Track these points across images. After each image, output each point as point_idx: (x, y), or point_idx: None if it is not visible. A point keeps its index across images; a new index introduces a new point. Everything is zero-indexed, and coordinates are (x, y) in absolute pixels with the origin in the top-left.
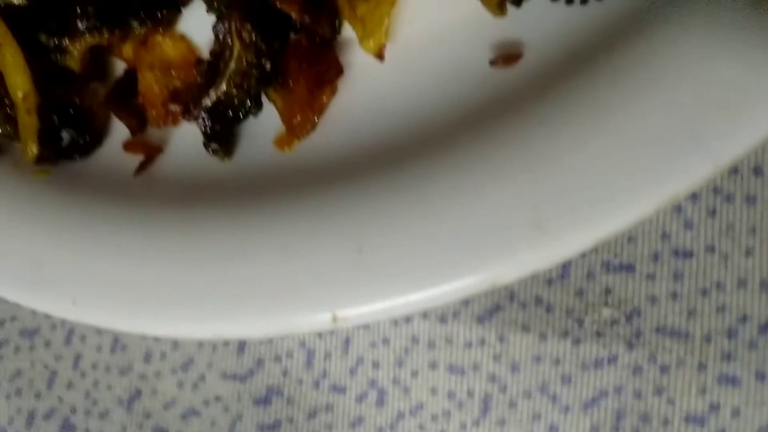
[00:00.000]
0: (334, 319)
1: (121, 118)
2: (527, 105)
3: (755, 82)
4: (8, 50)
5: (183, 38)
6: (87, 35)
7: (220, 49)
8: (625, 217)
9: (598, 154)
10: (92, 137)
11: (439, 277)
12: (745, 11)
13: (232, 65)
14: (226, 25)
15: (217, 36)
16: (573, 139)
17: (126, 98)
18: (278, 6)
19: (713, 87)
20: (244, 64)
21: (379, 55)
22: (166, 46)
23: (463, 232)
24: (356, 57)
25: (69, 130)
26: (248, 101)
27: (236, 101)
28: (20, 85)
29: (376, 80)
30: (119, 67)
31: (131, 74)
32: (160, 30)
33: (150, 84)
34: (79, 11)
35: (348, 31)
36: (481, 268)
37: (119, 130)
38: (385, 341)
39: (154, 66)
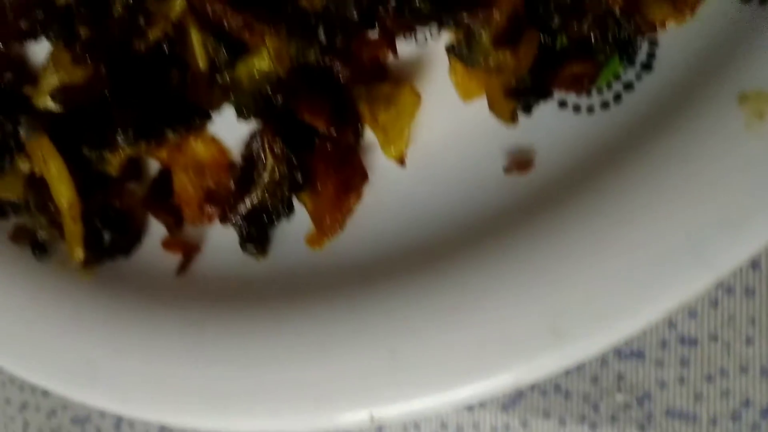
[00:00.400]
0: (372, 418)
1: (158, 218)
2: (541, 212)
3: (751, 199)
4: (53, 163)
5: (214, 140)
6: (126, 147)
7: (252, 158)
8: (635, 324)
9: (609, 266)
10: (132, 237)
11: (466, 379)
12: (738, 135)
13: (266, 176)
14: (259, 141)
15: (249, 146)
16: (584, 250)
17: (162, 197)
18: (306, 120)
19: (712, 203)
20: (277, 175)
21: (401, 161)
22: (198, 148)
23: (488, 337)
24: (378, 159)
25: (110, 231)
26: (281, 207)
27: (270, 207)
28: (65, 195)
29: (397, 183)
30: (153, 165)
31: (166, 174)
32: (193, 134)
33: (185, 185)
34: (118, 128)
35: (370, 133)
36: (505, 370)
37: (157, 229)
38: (416, 427)
39: (188, 167)
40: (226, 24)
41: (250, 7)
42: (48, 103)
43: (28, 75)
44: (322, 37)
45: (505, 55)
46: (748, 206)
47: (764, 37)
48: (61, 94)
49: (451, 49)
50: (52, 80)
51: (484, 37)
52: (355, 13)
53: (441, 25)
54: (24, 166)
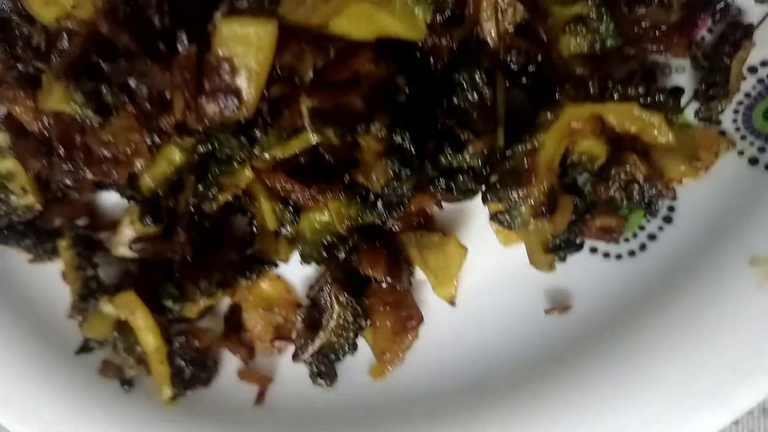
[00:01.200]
0: None
1: (232, 351)
2: (580, 352)
3: (763, 350)
4: (140, 315)
5: (279, 279)
6: (204, 299)
7: (318, 302)
8: None
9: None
10: (210, 369)
11: None
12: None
13: (333, 323)
14: (325, 291)
15: (314, 290)
16: (620, 390)
17: (235, 332)
18: (366, 272)
19: (727, 351)
20: (343, 321)
21: (452, 302)
22: (266, 287)
23: None
24: (430, 295)
25: (191, 366)
26: (347, 346)
27: (337, 347)
28: (152, 342)
29: (448, 319)
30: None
31: (237, 310)
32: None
33: (255, 321)
34: (196, 282)
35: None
36: None
37: (231, 360)
38: None
39: (257, 305)
40: (292, 196)
41: (312, 178)
42: (125, 252)
43: (101, 220)
44: (381, 209)
45: (542, 223)
46: (760, 356)
47: None
48: (137, 245)
49: (493, 217)
50: (128, 233)
51: (524, 209)
52: (410, 193)
53: (486, 201)
54: (107, 308)
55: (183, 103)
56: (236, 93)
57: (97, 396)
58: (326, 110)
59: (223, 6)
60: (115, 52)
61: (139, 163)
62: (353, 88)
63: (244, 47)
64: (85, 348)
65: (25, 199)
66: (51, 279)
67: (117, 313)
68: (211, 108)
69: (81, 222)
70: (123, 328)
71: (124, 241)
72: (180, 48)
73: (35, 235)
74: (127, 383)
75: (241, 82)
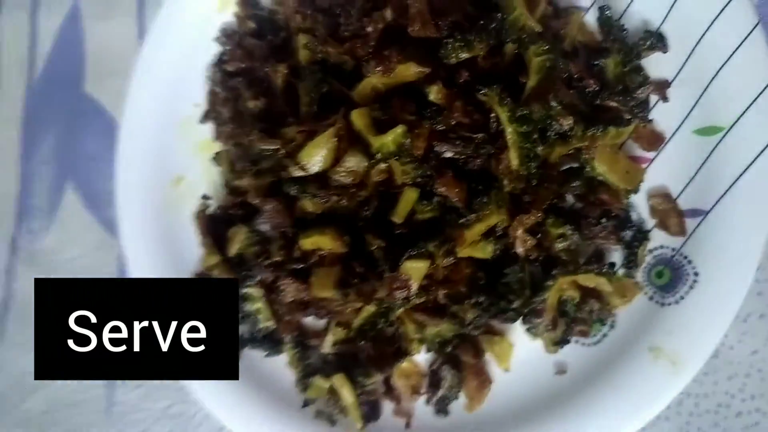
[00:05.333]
0: None
1: (389, 400)
2: (570, 398)
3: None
4: (345, 387)
5: (412, 360)
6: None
7: (437, 375)
8: None
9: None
10: (377, 410)
11: None
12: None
13: (447, 383)
14: (443, 368)
15: (434, 369)
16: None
17: (389, 390)
18: (463, 359)
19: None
20: (450, 383)
21: (507, 369)
22: (405, 365)
23: None
24: (495, 367)
25: (367, 409)
26: (453, 396)
27: (448, 397)
28: (350, 400)
29: (503, 378)
30: None
31: (389, 377)
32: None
33: (400, 384)
34: (380, 369)
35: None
36: None
37: (388, 405)
38: None
39: (401, 375)
40: (423, 320)
41: (433, 312)
42: (329, 350)
43: (307, 331)
44: (470, 329)
45: (550, 333)
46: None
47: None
48: (337, 344)
49: (527, 330)
50: (331, 338)
51: (542, 327)
52: (486, 321)
53: (523, 323)
54: (320, 382)
55: (385, 292)
56: (409, 288)
57: (314, 429)
58: (450, 293)
59: (405, 256)
60: (357, 274)
61: (354, 313)
62: (461, 282)
63: (414, 271)
64: (306, 404)
65: (266, 323)
66: (279, 365)
67: (329, 384)
68: (398, 294)
69: (296, 333)
70: (332, 391)
71: (329, 343)
72: (387, 274)
73: (271, 342)
74: (333, 422)
75: (412, 284)
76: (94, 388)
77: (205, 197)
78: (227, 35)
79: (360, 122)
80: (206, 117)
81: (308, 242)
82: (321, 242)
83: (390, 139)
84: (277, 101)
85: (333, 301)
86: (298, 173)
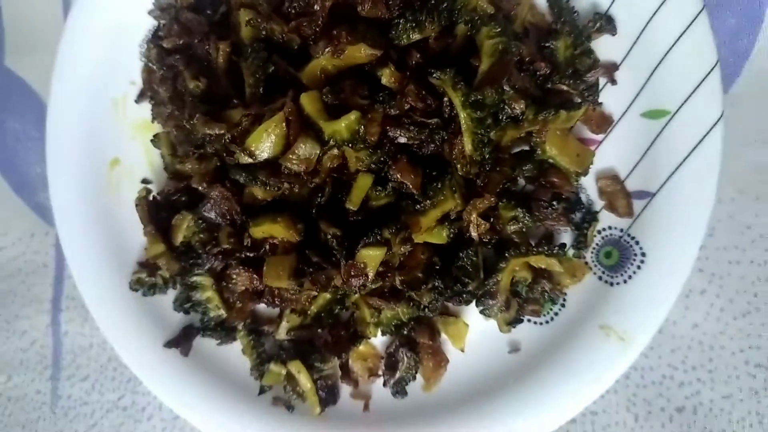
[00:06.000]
0: None
1: (347, 383)
2: (523, 376)
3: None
4: (302, 373)
5: (369, 342)
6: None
7: (395, 357)
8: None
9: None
10: (335, 394)
11: None
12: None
13: (404, 366)
14: (400, 351)
15: (391, 352)
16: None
17: (346, 373)
18: (419, 340)
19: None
20: (408, 365)
21: (462, 350)
22: (362, 348)
23: None
24: (450, 347)
25: (325, 394)
26: (410, 378)
27: (406, 378)
28: (308, 385)
29: (459, 357)
30: None
31: (346, 360)
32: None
33: (357, 366)
34: (337, 354)
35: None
36: None
37: (346, 388)
38: None
39: (358, 358)
40: (379, 305)
41: (390, 297)
42: (284, 336)
43: (261, 318)
44: (428, 311)
45: (504, 314)
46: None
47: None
48: (291, 331)
49: (481, 312)
50: (285, 325)
51: (495, 309)
52: (441, 304)
53: (477, 305)
54: (277, 368)
55: (342, 281)
56: (366, 275)
57: (271, 416)
58: (406, 280)
59: (361, 244)
60: (312, 263)
61: (309, 302)
62: (417, 267)
63: (370, 258)
64: (262, 391)
65: (217, 312)
66: (233, 353)
67: (285, 371)
68: (354, 282)
69: (249, 320)
70: (289, 377)
71: (284, 330)
72: (342, 264)
73: (223, 330)
74: (291, 408)
75: (368, 271)
76: (37, 382)
77: (145, 181)
78: (162, 8)
79: (311, 107)
80: (142, 96)
81: (259, 231)
82: (273, 231)
83: (343, 125)
84: (219, 81)
85: (288, 290)
86: (247, 160)
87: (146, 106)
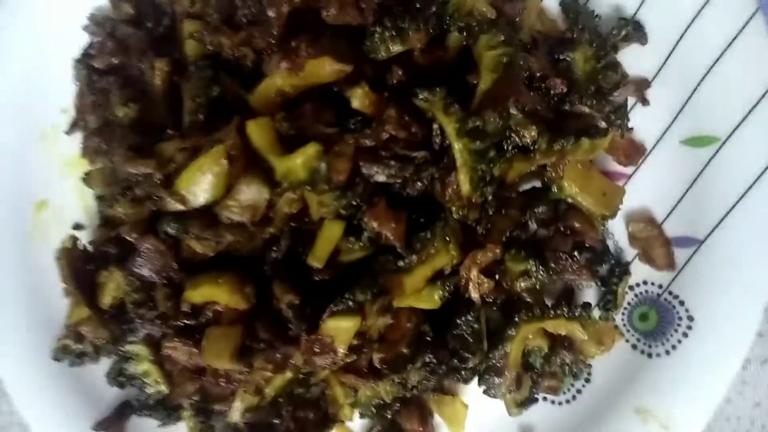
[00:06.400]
0: None
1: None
2: None
3: None
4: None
5: (344, 425)
6: None
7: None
8: None
9: None
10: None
11: None
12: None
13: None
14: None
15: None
16: None
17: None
18: (406, 427)
19: None
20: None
21: None
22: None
23: None
24: (444, 431)
25: None
26: None
27: None
28: None
29: None
30: None
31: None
32: None
33: None
34: None
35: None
36: None
37: None
38: None
39: None
40: (355, 383)
41: (369, 374)
42: (238, 419)
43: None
44: (416, 391)
45: (514, 394)
46: None
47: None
48: (247, 413)
49: (485, 391)
50: (239, 406)
51: (503, 388)
52: (435, 384)
53: (480, 384)
54: None
55: (303, 360)
56: (335, 352)
57: None
58: (387, 358)
59: (327, 312)
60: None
61: (265, 382)
62: (401, 340)
63: (339, 331)
64: None
65: (157, 387)
66: None
67: None
68: (320, 360)
69: (196, 398)
70: None
71: (238, 412)
72: (302, 339)
73: (165, 409)
74: None
75: (338, 347)
76: None
77: (76, 227)
78: (97, 23)
79: (259, 137)
80: (74, 126)
81: (197, 294)
82: (214, 295)
83: (299, 162)
84: (155, 108)
85: (234, 370)
86: (177, 207)
87: (80, 139)
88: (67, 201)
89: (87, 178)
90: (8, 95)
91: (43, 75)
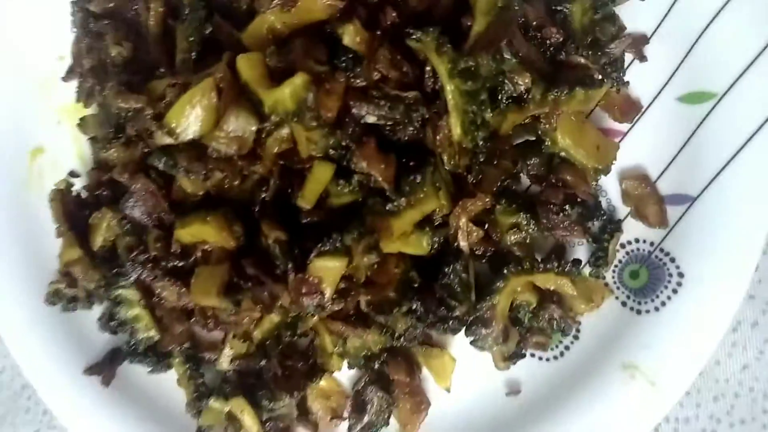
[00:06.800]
0: None
1: (304, 428)
2: (525, 422)
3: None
4: (246, 413)
5: (332, 377)
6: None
7: (363, 397)
8: None
9: None
10: None
11: None
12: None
13: (373, 408)
14: (368, 389)
15: (359, 390)
16: None
17: (304, 414)
18: (393, 377)
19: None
20: (379, 407)
21: (448, 389)
22: (324, 384)
23: None
24: (433, 385)
25: None
26: (382, 422)
27: (376, 423)
28: (254, 427)
29: (445, 399)
30: None
31: (304, 398)
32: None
33: (318, 407)
34: (289, 391)
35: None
36: None
37: None
38: None
39: (318, 396)
40: (344, 332)
41: (357, 322)
42: (227, 366)
43: (201, 343)
44: (402, 341)
45: (501, 346)
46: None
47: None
48: (236, 361)
49: (472, 343)
50: (228, 353)
51: (490, 340)
52: (422, 333)
53: (467, 335)
54: (217, 405)
55: (290, 300)
56: (322, 293)
57: None
58: (374, 301)
59: (314, 252)
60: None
61: (253, 325)
62: (389, 285)
63: (327, 271)
64: (199, 431)
65: (147, 333)
66: (167, 383)
67: (227, 409)
68: (307, 301)
69: (186, 345)
70: (231, 417)
71: (227, 359)
72: (290, 275)
73: (155, 356)
74: None
75: (325, 287)
76: None
77: (72, 174)
78: None
79: (249, 71)
80: (71, 73)
81: (186, 233)
82: (203, 233)
83: (287, 92)
84: (149, 48)
85: (222, 310)
86: (166, 140)
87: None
88: (63, 148)
89: (82, 124)
90: (5, 43)
91: (40, 22)
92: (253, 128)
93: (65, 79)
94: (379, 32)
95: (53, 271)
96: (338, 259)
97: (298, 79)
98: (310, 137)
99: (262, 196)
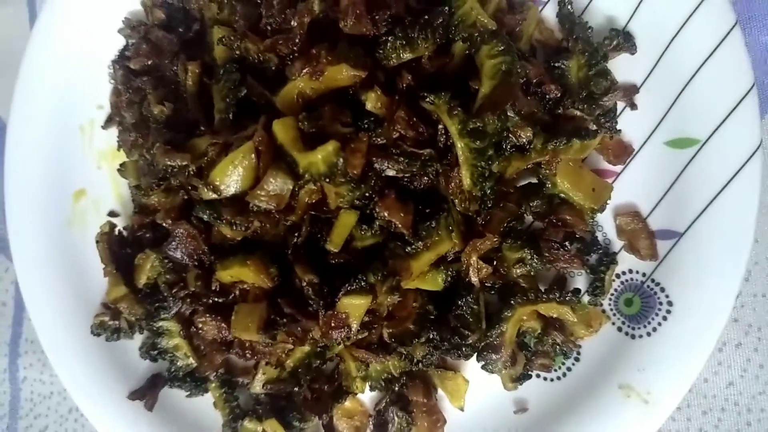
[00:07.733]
0: None
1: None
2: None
3: None
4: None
5: (356, 398)
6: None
7: (384, 417)
8: None
9: None
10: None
11: None
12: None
13: (395, 427)
14: (390, 409)
15: (380, 411)
16: None
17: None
18: (412, 399)
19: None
20: (399, 425)
21: (461, 409)
22: (348, 404)
23: None
24: (448, 405)
25: None
26: None
27: None
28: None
29: (459, 417)
30: None
31: (331, 418)
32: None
33: (343, 425)
34: (317, 414)
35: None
36: None
37: None
38: None
39: (343, 415)
40: (366, 358)
41: (378, 349)
42: (259, 390)
43: (235, 369)
44: (421, 366)
45: (509, 370)
46: None
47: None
48: (268, 384)
49: (483, 367)
50: (261, 378)
51: (499, 364)
52: (437, 359)
53: (479, 360)
54: (251, 426)
55: (320, 333)
56: (349, 327)
57: None
58: (395, 333)
59: (342, 291)
60: (284, 314)
61: (286, 355)
62: (408, 318)
63: (353, 308)
64: None
65: (186, 361)
66: (204, 406)
67: (260, 429)
68: (335, 334)
69: (222, 370)
70: None
71: (259, 383)
72: (321, 314)
73: (193, 381)
74: None
75: (352, 322)
76: None
77: (112, 214)
78: (132, 26)
79: (284, 135)
80: (110, 122)
81: (226, 275)
82: (242, 275)
83: (320, 157)
84: (187, 107)
85: (259, 342)
86: (211, 196)
87: (114, 133)
88: (103, 190)
89: (122, 170)
90: (49, 93)
91: (82, 74)
92: (290, 187)
93: (104, 127)
94: (396, 96)
95: (97, 302)
96: (363, 297)
97: (330, 146)
98: (339, 192)
99: (294, 240)
